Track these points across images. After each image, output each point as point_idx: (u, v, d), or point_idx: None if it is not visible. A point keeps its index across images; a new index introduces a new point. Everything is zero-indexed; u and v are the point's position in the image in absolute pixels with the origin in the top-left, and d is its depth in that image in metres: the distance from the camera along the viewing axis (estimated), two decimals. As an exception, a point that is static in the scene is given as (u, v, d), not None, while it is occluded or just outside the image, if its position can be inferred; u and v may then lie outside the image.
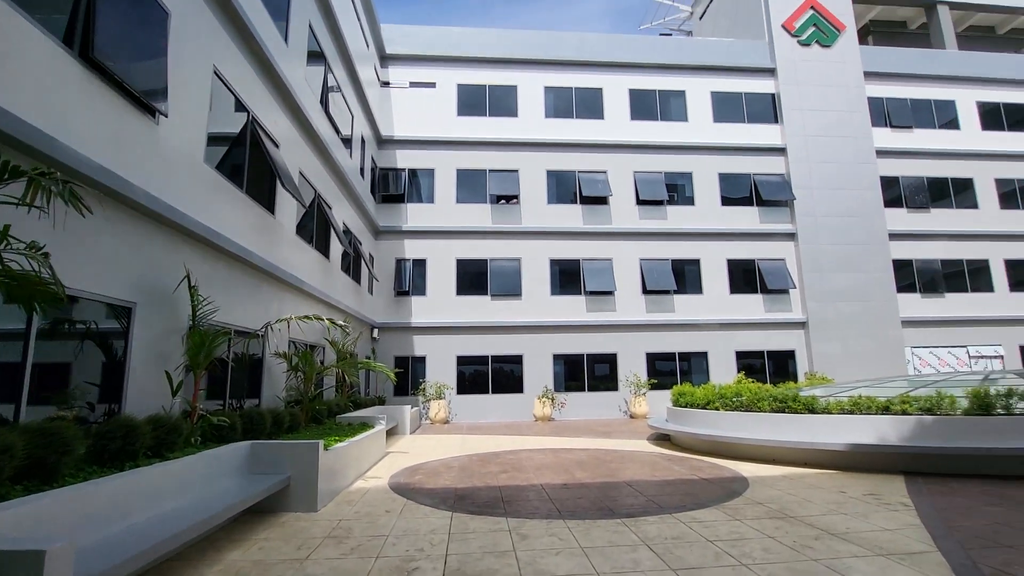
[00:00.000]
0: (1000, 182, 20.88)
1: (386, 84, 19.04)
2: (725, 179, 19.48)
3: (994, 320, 19.68)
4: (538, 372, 17.54)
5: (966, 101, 21.54)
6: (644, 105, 19.84)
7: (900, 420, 7.75)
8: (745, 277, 18.89)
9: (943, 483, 6.86)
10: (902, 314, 19.02)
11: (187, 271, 6.48)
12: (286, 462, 6.20)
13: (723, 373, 17.92)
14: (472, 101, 19.27)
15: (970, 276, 20.05)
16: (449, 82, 19.34)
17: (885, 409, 8.00)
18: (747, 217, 19.27)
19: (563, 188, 18.94)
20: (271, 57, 9.07)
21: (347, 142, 14.67)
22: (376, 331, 17.12)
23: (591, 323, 17.89)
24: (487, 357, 17.63)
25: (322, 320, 8.99)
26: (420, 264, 18.11)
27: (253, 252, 8.27)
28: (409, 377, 17.32)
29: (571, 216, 18.69)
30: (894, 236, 19.68)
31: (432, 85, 19.25)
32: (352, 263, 14.80)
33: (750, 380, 13.40)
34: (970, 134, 21.26)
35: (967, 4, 23.49)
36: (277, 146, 9.68)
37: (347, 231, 14.53)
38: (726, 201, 19.39)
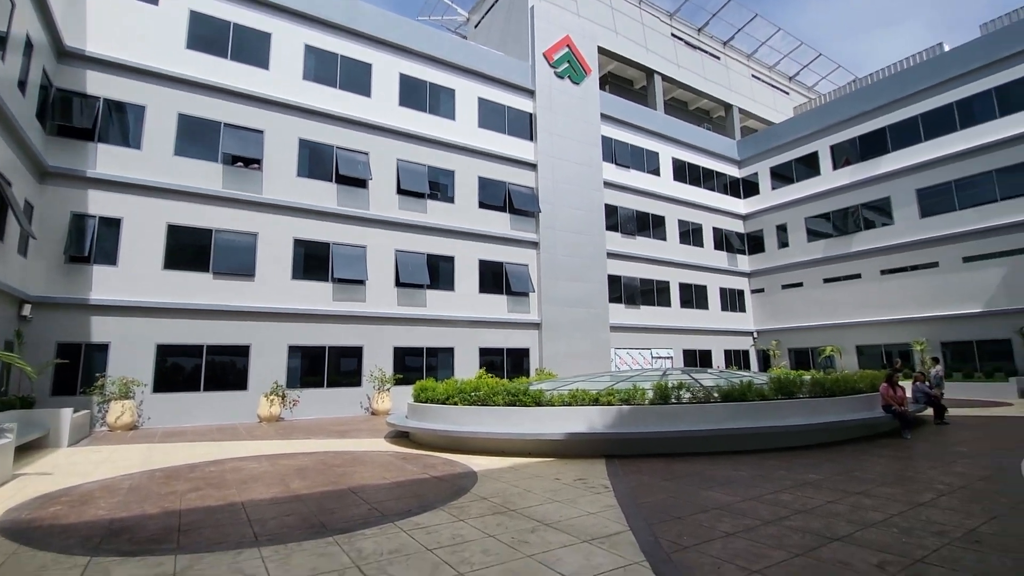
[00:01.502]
0: (681, 222, 26.86)
1: (79, -21, 14.27)
2: (484, 183, 20.33)
3: (669, 329, 25.10)
4: (269, 365, 15.30)
5: (666, 155, 27.13)
6: (414, 94, 19.36)
7: (605, 410, 8.75)
8: (493, 278, 19.98)
9: (633, 464, 7.89)
10: (611, 320, 22.69)
11: None
12: None
13: (467, 369, 18.52)
14: (210, 36, 15.86)
15: (658, 294, 25.19)
16: (178, 5, 15.55)
17: (595, 401, 8.95)
18: (500, 222, 20.45)
19: (318, 162, 17.07)
20: None
21: (-3, 38, 10.34)
22: (28, 307, 12.51)
23: (337, 313, 16.46)
24: (201, 347, 14.59)
25: None
26: (112, 224, 13.98)
27: None
28: (80, 371, 13.14)
29: (324, 194, 16.95)
30: (611, 255, 23.42)
31: (153, 1, 15.19)
32: (-11, 208, 10.44)
33: (490, 376, 13.99)
34: (666, 182, 26.81)
35: (672, 79, 29.81)
36: None
37: (-18, 161, 10.19)
38: (483, 205, 20.23)
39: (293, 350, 15.80)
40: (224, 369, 14.89)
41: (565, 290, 21.28)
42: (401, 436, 11.18)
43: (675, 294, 25.77)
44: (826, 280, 25.96)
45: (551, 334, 20.65)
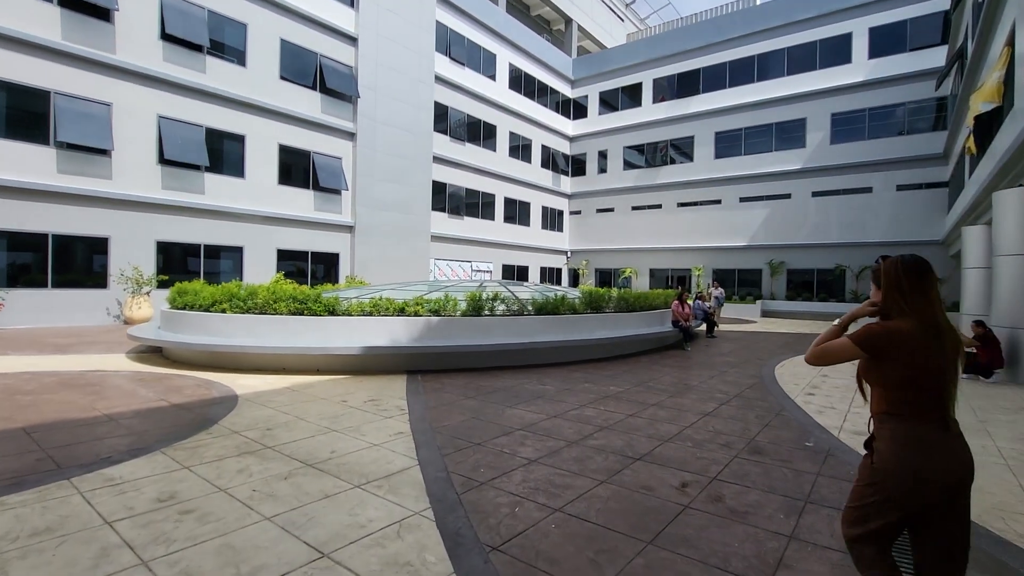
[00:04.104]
0: (512, 135, 26.09)
1: None
2: (288, 50, 16.57)
3: (491, 243, 24.91)
4: (-52, 255, 10.89)
5: (503, 60, 25.54)
6: (189, -97, 14.35)
7: (411, 321, 7.70)
8: (298, 169, 16.97)
9: (437, 380, 7.07)
10: (432, 230, 21.48)
11: None
12: None
13: (261, 273, 15.84)
14: None
15: (483, 206, 24.52)
16: None
17: (401, 311, 7.83)
18: (308, 102, 17.14)
19: (26, -33, 11.79)
20: None
21: None
22: None
23: (65, 189, 12.24)
24: None
25: None
26: None
27: None
28: None
29: (41, 19, 11.92)
30: (437, 160, 21.75)
31: None
32: None
33: (290, 282, 11.87)
34: (502, 89, 25.45)
35: (516, -25, 27.75)
36: None
37: None
38: (287, 77, 16.61)
39: (-7, 236, 11.45)
40: None
41: (384, 191, 19.22)
42: (155, 352, 8.81)
43: (500, 208, 25.43)
44: (634, 208, 28.09)
45: (365, 239, 18.70)
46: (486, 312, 8.35)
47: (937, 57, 20.70)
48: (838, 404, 6.29)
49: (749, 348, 11.69)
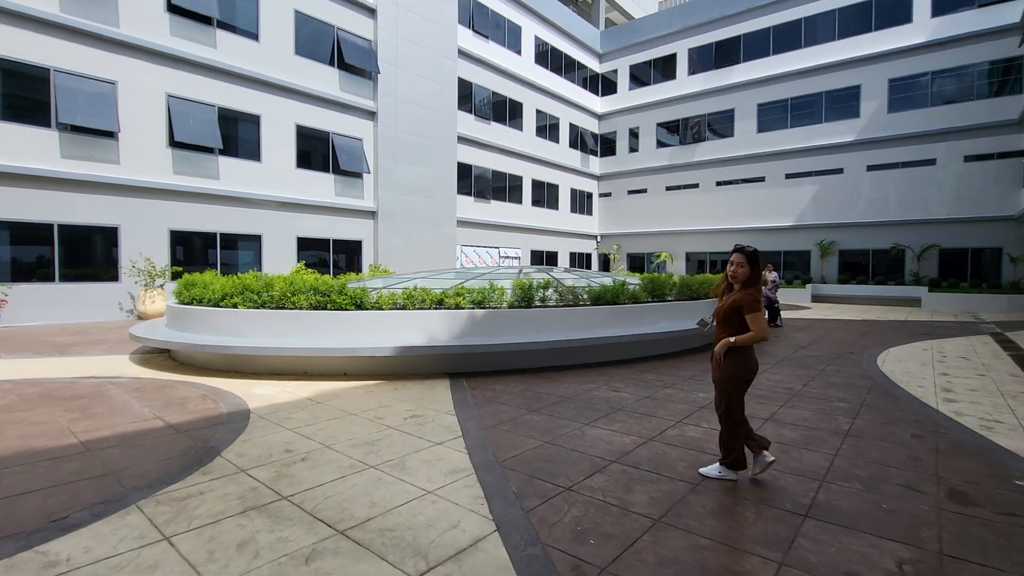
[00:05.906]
0: (539, 114, 24.60)
1: None
2: (303, 22, 15.36)
3: (519, 227, 23.60)
4: (-55, 249, 10.05)
5: (529, 32, 23.99)
6: None
7: (452, 315, 6.52)
8: (317, 151, 15.85)
9: (487, 385, 5.89)
10: (458, 214, 20.26)
11: None
12: None
13: (281, 263, 14.86)
14: None
15: (510, 190, 23.20)
16: None
17: (439, 303, 6.65)
18: (326, 79, 15.95)
19: (17, -68, 10.76)
20: None
21: None
22: None
23: (70, 175, 11.30)
24: None
25: None
26: None
27: None
28: None
29: (34, -12, 10.93)
30: (461, 140, 20.46)
31: None
32: None
33: (311, 272, 10.81)
34: (527, 64, 23.93)
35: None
36: None
37: None
38: (303, 52, 15.43)
39: (-8, 227, 10.58)
40: None
41: (407, 174, 18.02)
42: (163, 353, 7.82)
43: (527, 191, 24.07)
44: (668, 188, 26.46)
45: (389, 224, 17.58)
46: (537, 303, 7.13)
47: (1008, 13, 18.60)
48: (997, 414, 4.94)
49: (826, 339, 10.27)
